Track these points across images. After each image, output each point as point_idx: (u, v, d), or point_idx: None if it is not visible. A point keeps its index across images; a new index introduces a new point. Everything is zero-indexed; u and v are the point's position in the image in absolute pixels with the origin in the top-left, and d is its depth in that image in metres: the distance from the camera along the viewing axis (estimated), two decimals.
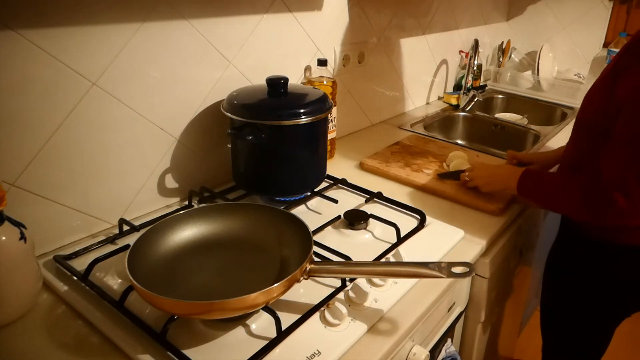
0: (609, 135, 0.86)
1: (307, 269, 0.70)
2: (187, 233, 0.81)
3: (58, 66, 0.79)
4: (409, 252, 0.87)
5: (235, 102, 0.96)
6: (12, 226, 0.69)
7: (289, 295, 0.76)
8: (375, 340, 0.70)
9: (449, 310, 0.96)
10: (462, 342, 1.11)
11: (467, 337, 1.10)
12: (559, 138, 1.59)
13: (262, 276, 0.74)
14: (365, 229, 0.95)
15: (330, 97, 1.13)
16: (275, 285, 0.64)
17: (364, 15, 1.40)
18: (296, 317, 0.71)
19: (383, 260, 0.85)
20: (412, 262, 0.73)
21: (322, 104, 0.98)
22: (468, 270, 0.68)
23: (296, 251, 0.75)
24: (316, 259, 0.73)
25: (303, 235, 0.75)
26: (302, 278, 0.70)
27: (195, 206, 1.01)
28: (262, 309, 0.69)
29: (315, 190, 1.07)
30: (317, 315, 0.72)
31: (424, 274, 0.69)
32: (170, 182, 1.03)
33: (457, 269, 0.68)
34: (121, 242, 0.88)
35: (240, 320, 0.71)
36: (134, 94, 0.91)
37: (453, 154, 1.28)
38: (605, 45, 2.09)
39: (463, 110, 1.83)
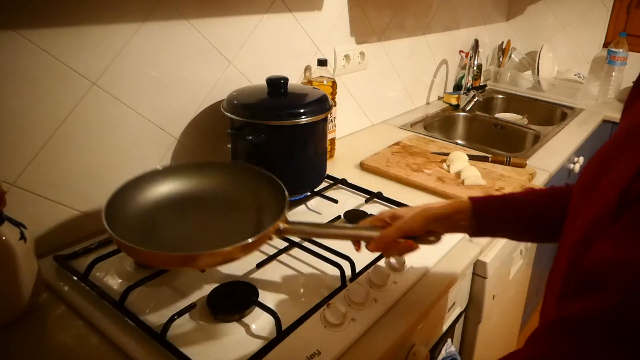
0: None
1: (281, 227, 0.71)
2: (165, 188, 0.81)
3: (58, 66, 0.79)
4: None
5: (235, 102, 0.96)
6: (12, 226, 0.69)
7: (289, 295, 0.77)
8: (375, 340, 0.70)
9: (449, 310, 0.96)
10: (462, 342, 1.11)
11: (467, 337, 1.10)
12: (559, 138, 1.59)
13: (238, 233, 0.73)
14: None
15: (330, 97, 1.13)
16: (249, 240, 0.64)
17: (364, 15, 1.40)
18: (296, 317, 0.71)
19: (383, 259, 0.85)
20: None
21: (322, 104, 0.98)
22: (434, 239, 0.72)
23: (272, 211, 0.75)
24: (291, 220, 0.74)
25: (279, 196, 0.75)
26: (274, 236, 0.71)
27: None
28: (262, 308, 0.69)
29: (315, 190, 1.07)
30: (317, 315, 0.72)
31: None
32: None
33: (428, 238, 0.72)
34: None
35: (240, 320, 0.71)
36: (134, 94, 0.91)
37: (453, 154, 1.28)
38: (605, 45, 2.10)
39: (463, 110, 1.83)
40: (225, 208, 0.81)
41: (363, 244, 0.75)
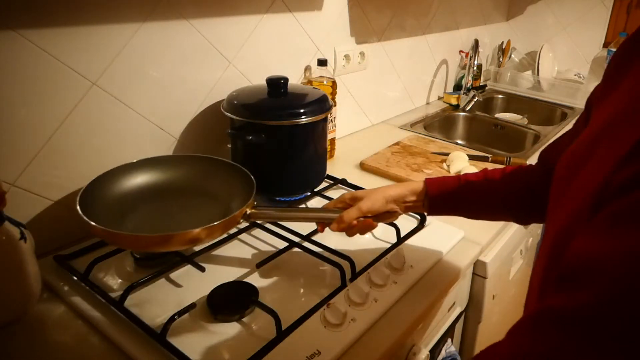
0: None
1: (248, 212, 0.77)
2: (139, 180, 0.87)
3: (58, 66, 0.79)
4: (409, 252, 0.87)
5: (235, 102, 0.96)
6: (12, 226, 0.69)
7: (289, 295, 0.77)
8: (375, 340, 0.70)
9: (449, 310, 0.96)
10: (462, 342, 1.11)
11: (467, 337, 1.10)
12: None
13: (209, 218, 0.75)
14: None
15: (330, 97, 1.13)
16: (216, 223, 0.71)
17: (364, 15, 1.40)
18: (296, 317, 0.71)
19: (383, 259, 0.85)
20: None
21: (322, 104, 0.98)
22: (391, 217, 0.80)
23: (241, 199, 0.80)
24: (258, 205, 0.80)
25: (249, 186, 0.82)
26: (242, 220, 0.77)
27: None
28: (262, 308, 0.69)
29: (315, 190, 1.07)
30: (317, 315, 0.72)
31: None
32: None
33: None
34: None
35: (240, 320, 0.71)
36: (134, 94, 0.91)
37: (453, 154, 1.28)
38: (605, 45, 2.10)
39: (463, 110, 1.83)
40: (199, 197, 0.87)
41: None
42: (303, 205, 1.05)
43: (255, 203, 0.79)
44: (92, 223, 0.69)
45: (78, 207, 0.71)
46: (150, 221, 0.82)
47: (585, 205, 0.40)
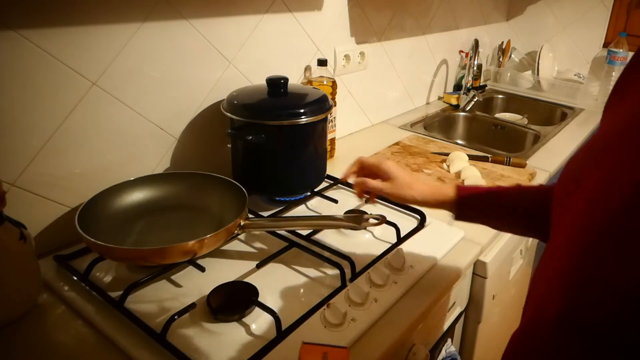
0: None
1: (242, 224, 0.80)
2: (135, 197, 0.89)
3: (58, 66, 0.79)
4: (409, 252, 0.87)
5: (235, 102, 0.96)
6: (12, 226, 0.69)
7: (289, 295, 0.77)
8: (375, 340, 0.70)
9: (449, 310, 0.96)
10: (462, 342, 1.11)
11: (467, 337, 1.10)
12: (559, 138, 1.59)
13: (205, 231, 0.77)
14: (365, 229, 0.95)
15: (330, 97, 1.13)
16: (209, 235, 0.74)
17: (364, 15, 1.40)
18: (296, 317, 0.71)
19: (383, 259, 0.85)
20: (330, 216, 0.85)
21: (322, 104, 0.98)
22: (379, 220, 0.83)
23: (234, 211, 0.83)
24: (250, 216, 0.84)
25: (241, 198, 0.85)
26: (237, 231, 0.80)
27: None
28: (262, 308, 0.69)
29: (315, 190, 1.07)
30: (317, 315, 0.72)
31: (341, 225, 0.83)
32: None
33: (370, 220, 0.82)
34: None
35: (240, 320, 0.71)
36: (134, 94, 0.91)
37: (453, 154, 1.28)
38: (605, 45, 2.10)
39: (463, 110, 1.83)
40: (195, 212, 0.90)
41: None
42: (303, 205, 1.05)
43: (248, 215, 0.83)
44: (90, 238, 0.71)
45: (77, 225, 0.73)
46: (148, 236, 0.84)
47: (614, 210, 0.39)
